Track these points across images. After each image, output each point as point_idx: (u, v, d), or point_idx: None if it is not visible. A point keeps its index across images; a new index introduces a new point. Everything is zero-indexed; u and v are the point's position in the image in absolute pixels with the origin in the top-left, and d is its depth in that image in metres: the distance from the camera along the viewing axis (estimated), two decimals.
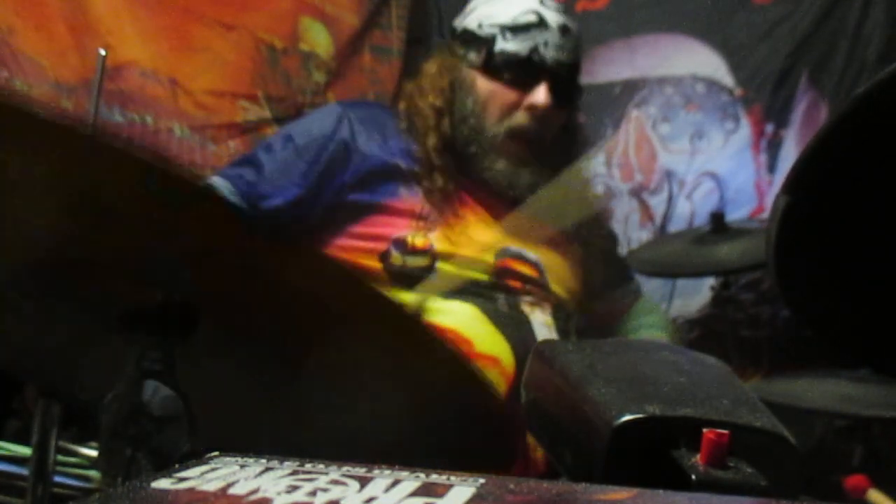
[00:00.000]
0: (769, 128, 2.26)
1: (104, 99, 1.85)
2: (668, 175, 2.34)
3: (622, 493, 0.30)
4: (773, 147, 2.25)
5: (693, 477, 0.47)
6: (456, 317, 1.31)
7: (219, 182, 1.40)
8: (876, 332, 0.67)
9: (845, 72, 2.19)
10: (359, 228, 1.42)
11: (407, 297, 1.33)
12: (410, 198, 1.42)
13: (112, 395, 0.68)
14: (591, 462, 0.56)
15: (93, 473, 1.09)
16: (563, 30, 1.45)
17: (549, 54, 1.42)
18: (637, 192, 2.37)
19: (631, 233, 2.35)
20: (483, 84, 1.44)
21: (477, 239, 1.42)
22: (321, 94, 2.42)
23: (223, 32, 2.23)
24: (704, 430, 0.49)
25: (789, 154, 2.22)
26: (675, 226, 2.30)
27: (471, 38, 1.46)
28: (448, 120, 1.44)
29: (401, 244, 1.39)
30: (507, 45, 1.42)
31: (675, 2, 2.41)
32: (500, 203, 1.45)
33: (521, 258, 1.44)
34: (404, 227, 1.41)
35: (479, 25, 1.46)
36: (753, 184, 2.26)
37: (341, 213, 1.43)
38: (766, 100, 2.26)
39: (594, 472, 0.55)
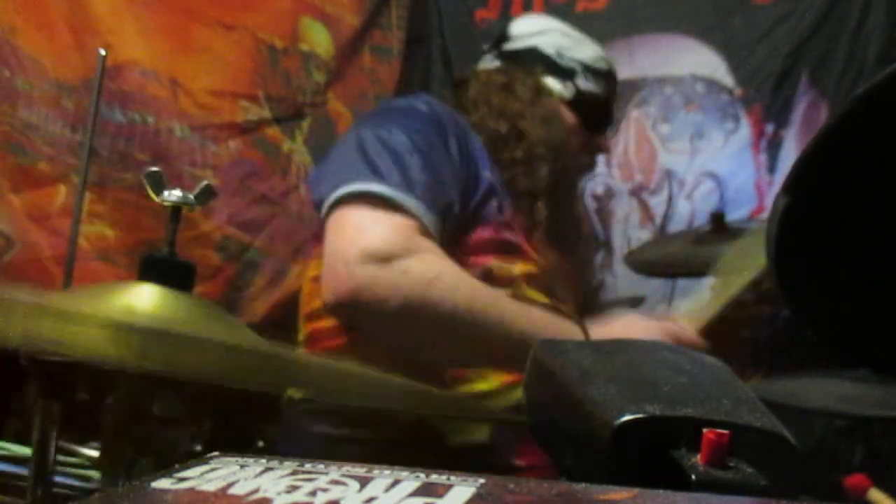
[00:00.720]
0: (769, 128, 2.26)
1: (104, 98, 1.85)
2: (668, 175, 2.34)
3: (622, 493, 0.30)
4: (773, 147, 2.25)
5: (693, 477, 0.47)
6: None
7: (413, 204, 1.20)
8: (876, 332, 0.67)
9: (845, 72, 2.19)
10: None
11: None
12: (500, 218, 1.36)
13: (113, 396, 0.68)
14: (591, 462, 0.56)
15: (93, 473, 1.09)
16: (617, 83, 1.52)
17: (613, 103, 1.51)
18: (637, 192, 2.37)
19: (631, 233, 2.35)
20: (568, 116, 1.44)
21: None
22: (321, 93, 2.42)
23: (223, 32, 2.23)
24: (704, 430, 0.49)
25: (789, 154, 2.22)
26: (675, 226, 2.30)
27: (552, 66, 1.45)
28: (551, 151, 1.40)
29: (488, 275, 1.30)
30: (590, 85, 1.45)
31: (675, 2, 2.41)
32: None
33: None
34: (492, 250, 1.34)
35: (560, 55, 1.45)
36: (753, 184, 2.26)
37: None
38: (766, 100, 2.26)
39: (594, 472, 0.55)
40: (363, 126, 1.33)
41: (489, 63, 1.51)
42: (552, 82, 1.44)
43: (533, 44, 1.47)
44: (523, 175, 1.37)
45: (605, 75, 1.48)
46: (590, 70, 1.45)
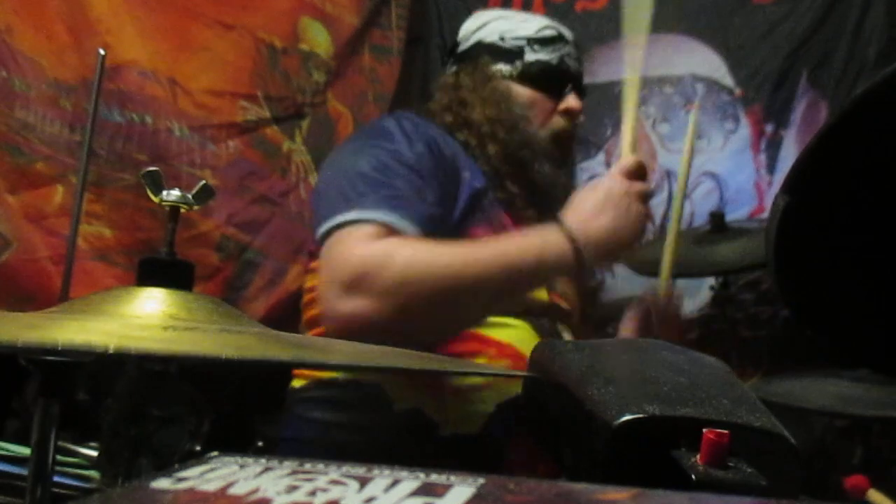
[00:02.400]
0: (769, 128, 2.26)
1: (103, 99, 1.85)
2: (668, 175, 2.34)
3: (622, 492, 0.30)
4: (773, 147, 2.25)
5: (693, 477, 0.47)
6: (514, 333, 1.33)
7: (396, 220, 1.24)
8: (876, 333, 0.67)
9: (845, 72, 2.19)
10: None
11: None
12: (498, 217, 1.41)
13: (113, 396, 0.68)
14: (591, 462, 0.56)
15: (92, 473, 1.09)
16: (575, 43, 1.58)
17: (572, 63, 1.54)
18: None
19: None
20: (521, 92, 1.49)
21: None
22: (321, 93, 2.42)
23: (222, 32, 2.22)
24: (704, 429, 0.49)
25: (789, 154, 2.22)
26: None
27: (496, 51, 1.51)
28: (501, 128, 1.46)
29: None
30: (539, 55, 1.50)
31: (675, 2, 2.41)
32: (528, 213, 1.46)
33: None
34: None
35: (502, 38, 1.51)
36: (753, 184, 2.26)
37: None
38: (765, 100, 2.26)
39: (594, 472, 0.55)
40: (336, 157, 1.42)
41: (448, 70, 1.59)
42: (499, 66, 1.50)
43: (477, 39, 1.54)
44: (480, 158, 1.43)
45: (554, 40, 1.53)
46: (536, 41, 1.51)
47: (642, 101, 2.40)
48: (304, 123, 2.38)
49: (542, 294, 1.39)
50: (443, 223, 1.30)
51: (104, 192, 2.03)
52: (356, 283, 1.16)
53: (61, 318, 0.64)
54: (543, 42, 1.51)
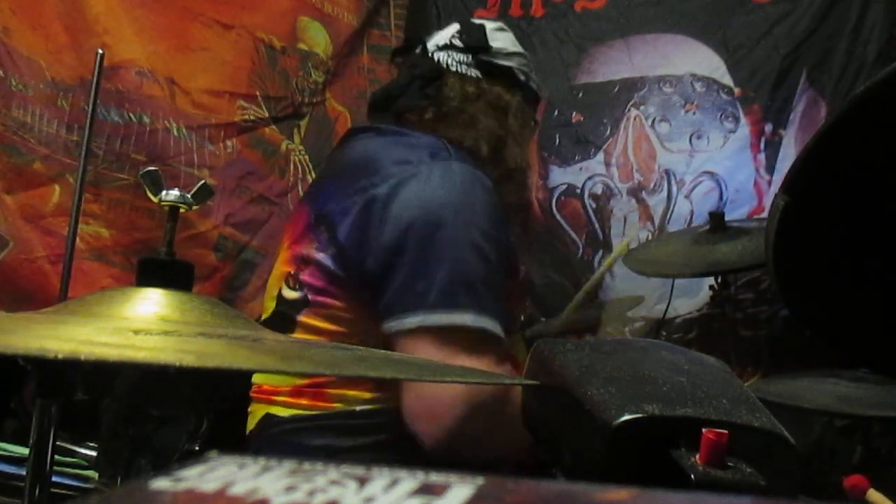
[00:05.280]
0: (768, 127, 2.26)
1: (101, 98, 1.85)
2: (668, 174, 2.34)
3: (621, 492, 0.30)
4: (772, 147, 2.25)
5: (692, 476, 0.47)
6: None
7: (498, 331, 1.17)
8: (875, 332, 0.66)
9: (844, 71, 2.19)
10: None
11: None
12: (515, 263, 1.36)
13: (112, 396, 0.68)
14: (590, 461, 0.56)
15: (91, 473, 1.09)
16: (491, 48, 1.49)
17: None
18: (636, 192, 2.37)
19: (630, 232, 2.35)
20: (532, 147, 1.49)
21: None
22: (320, 93, 2.42)
23: (221, 32, 2.22)
24: (704, 429, 0.49)
25: (788, 154, 2.22)
26: (675, 225, 2.30)
27: (529, 94, 1.47)
28: (523, 177, 1.42)
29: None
30: (532, 84, 1.47)
31: (674, 1, 2.41)
32: None
33: None
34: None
35: (527, 78, 1.47)
36: (752, 183, 2.26)
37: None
38: (765, 99, 2.26)
39: (593, 472, 0.54)
40: (450, 219, 1.20)
41: (462, 69, 1.45)
42: (530, 112, 1.47)
43: (512, 64, 1.45)
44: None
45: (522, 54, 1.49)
46: (518, 54, 1.46)
47: (641, 101, 2.40)
48: (303, 123, 2.38)
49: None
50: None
51: (102, 191, 2.03)
52: (479, 411, 1.12)
53: (37, 319, 0.63)
54: (522, 56, 1.47)
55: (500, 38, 1.47)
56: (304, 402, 1.25)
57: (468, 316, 1.14)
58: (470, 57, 1.44)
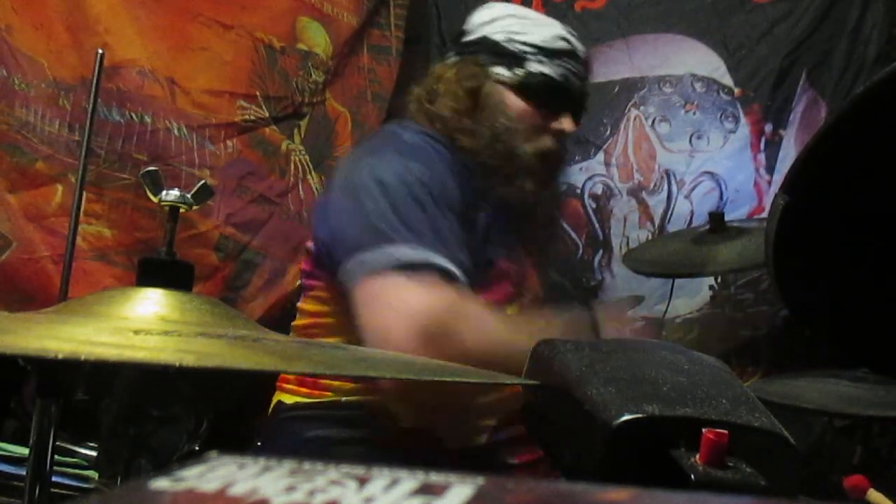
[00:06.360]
0: (768, 127, 2.26)
1: (102, 98, 1.85)
2: (668, 174, 2.34)
3: (621, 492, 0.30)
4: (772, 147, 2.25)
5: (692, 476, 0.47)
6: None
7: (452, 268, 1.16)
8: (875, 332, 0.66)
9: (844, 71, 2.19)
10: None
11: None
12: (510, 242, 1.35)
13: (112, 396, 0.68)
14: (590, 462, 0.56)
15: (91, 473, 1.09)
16: (585, 61, 1.43)
17: (576, 83, 1.40)
18: (636, 192, 2.37)
19: (630, 232, 2.35)
20: (514, 102, 1.37)
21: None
22: (320, 93, 2.42)
23: (221, 32, 2.22)
24: (703, 429, 0.49)
25: (788, 154, 2.22)
26: (674, 225, 2.30)
27: (499, 52, 1.38)
28: (470, 131, 1.35)
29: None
30: (543, 68, 1.37)
31: (674, 1, 2.41)
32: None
33: None
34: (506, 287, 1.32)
35: (509, 40, 1.38)
36: (752, 183, 2.26)
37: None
38: (765, 99, 2.26)
39: (593, 472, 0.55)
40: (360, 172, 1.25)
41: (446, 59, 1.46)
42: (498, 70, 1.37)
43: (482, 34, 1.40)
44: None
45: (563, 54, 1.39)
46: (544, 51, 1.37)
47: (641, 101, 2.40)
48: (303, 123, 2.38)
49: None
50: (474, 262, 1.22)
51: (104, 191, 2.03)
52: (433, 339, 1.09)
53: (37, 319, 0.64)
54: (551, 54, 1.37)
55: (478, 14, 1.43)
56: (304, 390, 1.29)
57: (403, 248, 1.13)
58: (453, 50, 1.45)
